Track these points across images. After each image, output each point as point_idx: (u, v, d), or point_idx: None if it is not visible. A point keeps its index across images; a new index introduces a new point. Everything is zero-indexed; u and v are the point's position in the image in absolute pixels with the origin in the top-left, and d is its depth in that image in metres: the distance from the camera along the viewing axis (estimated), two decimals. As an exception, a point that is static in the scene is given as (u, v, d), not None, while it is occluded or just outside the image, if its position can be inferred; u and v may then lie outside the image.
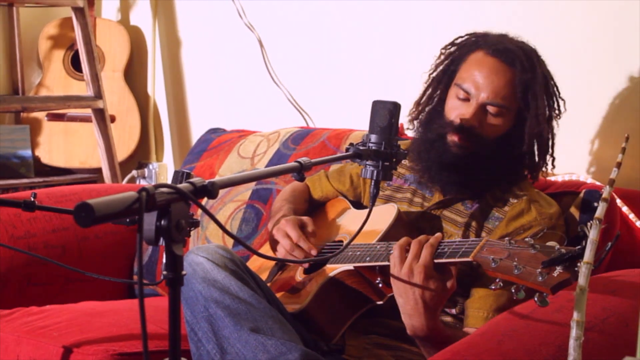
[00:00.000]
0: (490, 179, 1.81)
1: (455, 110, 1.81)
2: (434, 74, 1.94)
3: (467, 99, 1.80)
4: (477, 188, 1.82)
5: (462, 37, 1.92)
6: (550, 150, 1.86)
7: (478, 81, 1.79)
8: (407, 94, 1.98)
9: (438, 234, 1.57)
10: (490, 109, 1.79)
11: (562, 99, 1.87)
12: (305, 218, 1.88)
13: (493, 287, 1.42)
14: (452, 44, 1.93)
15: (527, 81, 1.78)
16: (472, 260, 1.46)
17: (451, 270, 1.53)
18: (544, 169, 1.88)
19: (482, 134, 1.79)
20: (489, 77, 1.79)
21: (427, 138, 1.86)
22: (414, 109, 1.96)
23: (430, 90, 1.94)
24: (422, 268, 1.51)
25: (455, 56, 1.89)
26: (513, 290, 1.38)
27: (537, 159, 1.86)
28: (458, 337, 1.53)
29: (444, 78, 1.90)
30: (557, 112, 1.86)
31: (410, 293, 1.53)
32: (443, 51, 1.94)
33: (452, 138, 1.80)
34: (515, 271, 1.37)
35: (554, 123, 1.87)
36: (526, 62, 1.80)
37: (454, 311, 1.76)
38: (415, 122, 1.95)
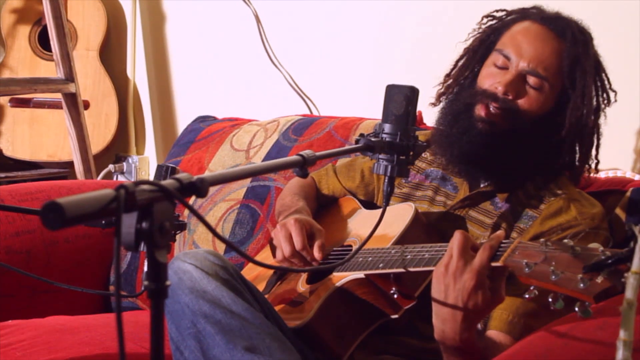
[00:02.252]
0: (521, 167, 1.79)
1: (490, 78, 1.81)
2: (470, 45, 1.93)
3: (505, 67, 1.80)
4: (507, 177, 1.80)
5: (505, 10, 1.92)
6: (594, 145, 1.84)
7: (521, 46, 1.80)
8: (427, 76, 1.97)
9: (500, 232, 1.52)
10: (530, 79, 1.78)
11: (614, 91, 1.85)
12: (316, 228, 1.88)
13: (527, 296, 1.40)
14: (492, 16, 1.92)
15: (577, 56, 1.78)
16: (502, 265, 1.44)
17: (502, 280, 1.50)
18: (586, 166, 1.86)
19: (516, 110, 1.77)
20: (533, 44, 1.79)
21: (452, 110, 1.85)
22: (442, 82, 1.95)
23: (464, 61, 1.93)
24: (475, 273, 1.46)
25: (498, 26, 1.89)
26: (550, 300, 1.36)
27: (578, 153, 1.84)
28: (489, 349, 1.53)
29: (480, 48, 1.90)
30: (605, 102, 1.84)
31: (452, 296, 1.48)
32: (484, 21, 1.93)
33: (480, 112, 1.79)
34: (553, 277, 1.35)
35: (602, 117, 1.84)
36: (579, 35, 1.80)
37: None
38: (442, 97, 1.94)
